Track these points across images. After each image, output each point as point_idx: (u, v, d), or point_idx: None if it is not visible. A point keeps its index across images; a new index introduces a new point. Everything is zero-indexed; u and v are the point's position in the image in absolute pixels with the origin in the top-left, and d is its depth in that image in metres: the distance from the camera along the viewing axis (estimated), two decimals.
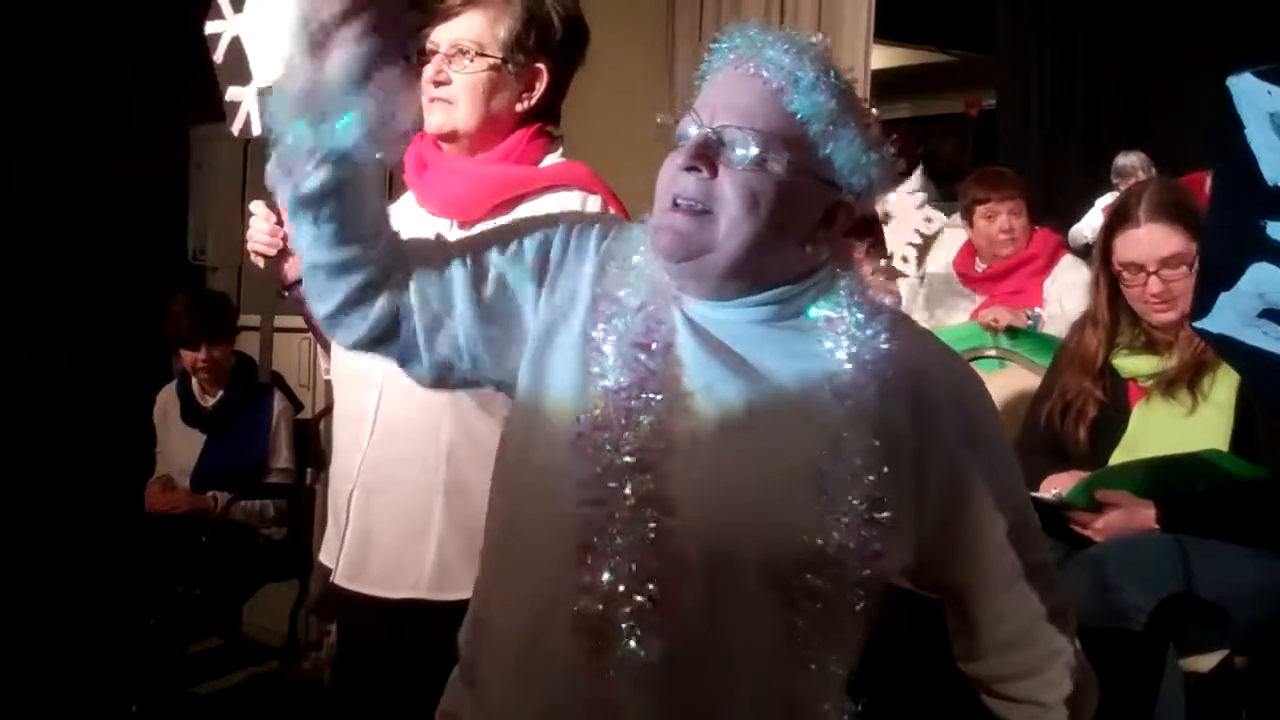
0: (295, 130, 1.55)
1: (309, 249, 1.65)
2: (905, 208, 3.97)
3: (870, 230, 3.56)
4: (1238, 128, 1.19)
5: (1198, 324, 1.26)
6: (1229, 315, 1.23)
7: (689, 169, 1.62)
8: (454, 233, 2.34)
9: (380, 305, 1.67)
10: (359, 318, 1.68)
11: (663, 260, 1.66)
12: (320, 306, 1.69)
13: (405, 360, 1.73)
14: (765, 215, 1.61)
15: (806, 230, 1.65)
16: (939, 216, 3.92)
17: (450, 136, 2.39)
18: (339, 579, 2.40)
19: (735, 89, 1.64)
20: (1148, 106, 8.65)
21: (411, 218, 2.42)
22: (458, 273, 1.69)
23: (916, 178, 3.99)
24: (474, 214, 2.34)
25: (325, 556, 2.48)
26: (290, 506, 5.00)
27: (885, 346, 1.64)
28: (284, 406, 5.09)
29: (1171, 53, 8.18)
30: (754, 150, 1.60)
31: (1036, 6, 8.77)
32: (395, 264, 1.68)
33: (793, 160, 1.61)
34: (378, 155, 1.57)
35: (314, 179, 1.57)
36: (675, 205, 1.63)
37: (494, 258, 1.71)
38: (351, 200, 1.60)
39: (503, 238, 1.74)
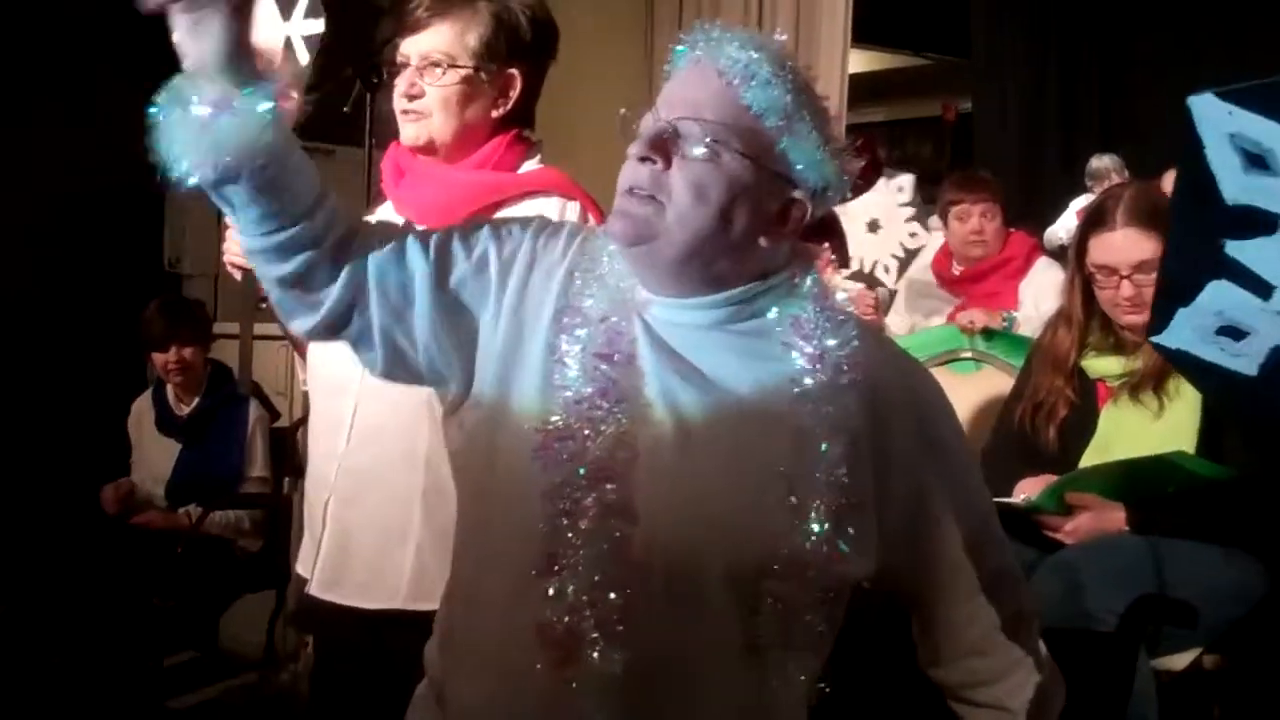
0: (181, 120, 1.51)
1: (243, 235, 1.62)
2: (894, 219, 3.98)
3: (831, 235, 3.56)
4: (1198, 147, 1.20)
5: (1155, 339, 1.28)
6: (1186, 331, 1.25)
7: (643, 159, 1.63)
8: None
9: (334, 292, 1.65)
10: (311, 303, 1.66)
11: (617, 246, 1.67)
12: (271, 290, 1.67)
13: (359, 346, 1.71)
14: (715, 206, 1.61)
15: (760, 224, 1.65)
16: (924, 233, 3.93)
17: (427, 148, 2.39)
18: (315, 589, 2.39)
19: (692, 83, 1.66)
20: (1122, 110, 8.68)
21: None
22: (420, 267, 1.68)
23: (910, 189, 3.99)
24: (452, 221, 2.34)
25: (301, 567, 2.47)
26: (267, 516, 4.97)
27: (850, 351, 1.65)
28: (260, 415, 5.07)
29: (1146, 56, 8.21)
30: (706, 140, 1.61)
31: (1012, 11, 8.81)
32: (344, 243, 1.65)
33: (746, 153, 1.62)
34: (268, 132, 1.51)
35: (216, 167, 1.53)
36: (630, 194, 1.64)
37: (459, 258, 1.70)
38: (268, 181, 1.56)
39: (469, 238, 1.73)
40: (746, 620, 1.59)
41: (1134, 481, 2.83)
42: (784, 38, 1.72)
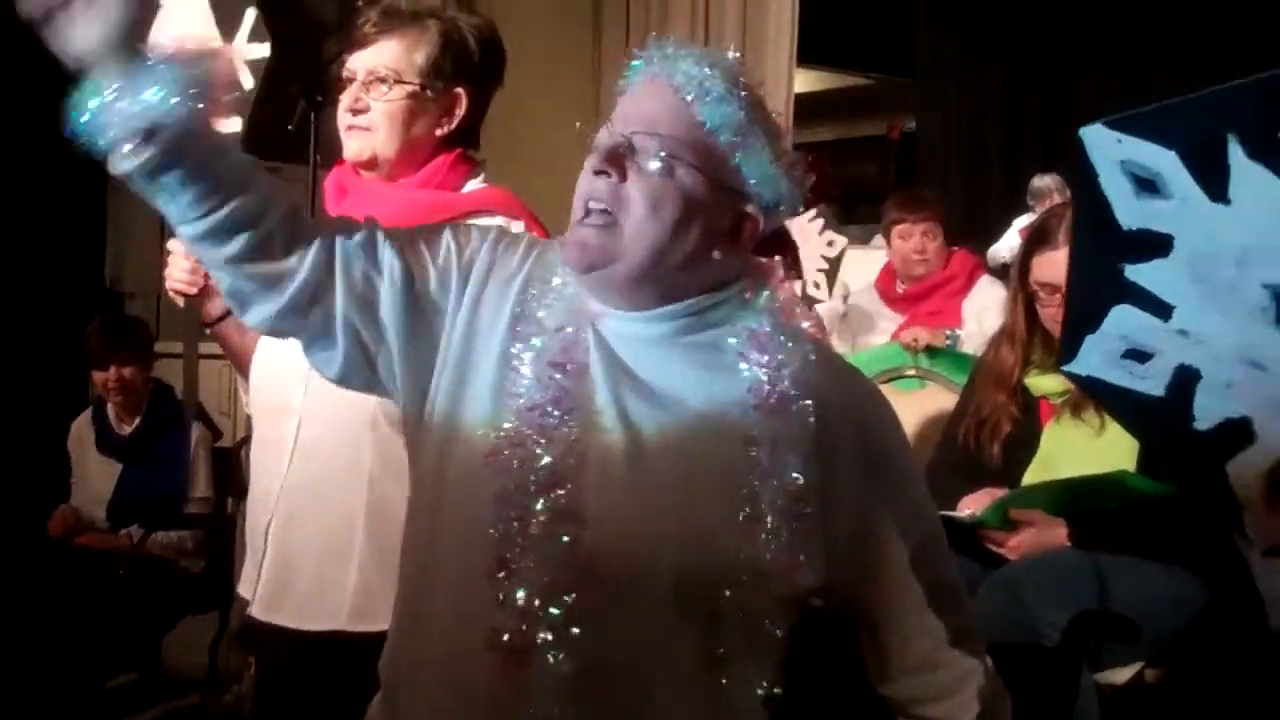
0: (99, 109, 1.49)
1: (181, 225, 1.60)
2: (806, 235, 4.01)
3: (784, 249, 3.58)
4: (1092, 176, 1.24)
5: (1066, 368, 1.31)
6: (1095, 357, 1.28)
7: (599, 173, 1.65)
8: None
9: (301, 273, 1.63)
10: (272, 284, 1.64)
11: (573, 272, 1.68)
12: (225, 280, 1.65)
13: (316, 344, 1.70)
14: (670, 220, 1.63)
15: (714, 239, 1.67)
16: (839, 239, 3.97)
17: (370, 164, 2.38)
18: (256, 611, 2.37)
19: (647, 99, 1.68)
20: (1064, 130, 8.75)
21: None
22: (390, 262, 1.68)
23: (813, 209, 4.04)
24: None
25: (243, 589, 2.44)
26: (210, 537, 4.94)
27: (803, 366, 1.66)
28: (202, 434, 5.03)
29: (1088, 77, 8.29)
30: (661, 155, 1.63)
31: (956, 31, 8.88)
32: (294, 219, 1.64)
33: (700, 168, 1.64)
34: (191, 116, 1.50)
35: (138, 154, 1.51)
36: (586, 214, 1.65)
37: (425, 260, 1.71)
38: (196, 161, 1.54)
39: (434, 242, 1.73)
40: (702, 629, 1.60)
41: (1076, 498, 2.86)
42: (738, 54, 1.75)
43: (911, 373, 4.21)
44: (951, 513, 2.88)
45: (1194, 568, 2.81)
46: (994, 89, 8.91)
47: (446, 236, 1.75)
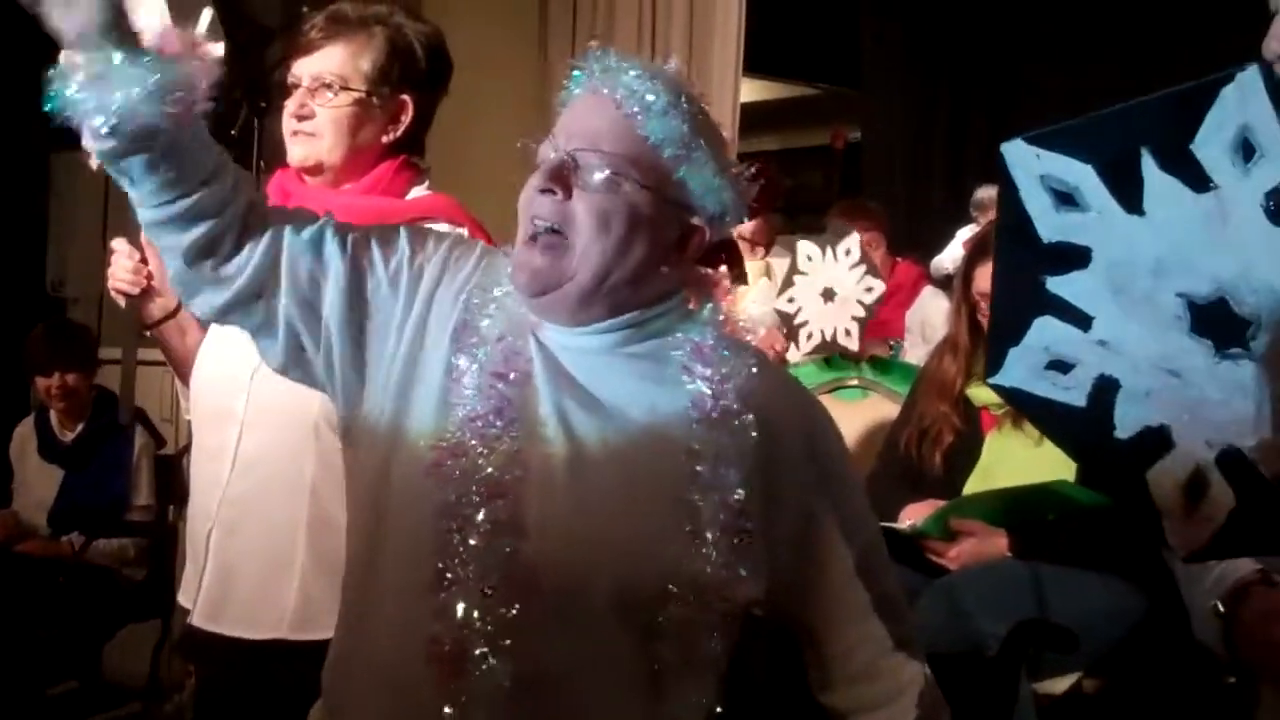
0: (74, 96, 1.49)
1: (143, 208, 1.61)
2: (848, 283, 4.02)
3: (729, 259, 3.58)
4: (1013, 191, 1.26)
5: (992, 380, 1.33)
6: (1019, 369, 1.31)
7: (544, 190, 1.65)
8: None
9: (248, 270, 1.64)
10: (219, 278, 1.65)
11: (521, 296, 1.68)
12: (174, 266, 1.65)
13: (259, 334, 1.71)
14: (618, 236, 1.63)
15: (660, 253, 1.67)
16: (878, 285, 3.96)
17: (314, 169, 2.37)
18: (197, 620, 2.35)
19: (590, 113, 1.68)
20: (1009, 138, 8.78)
21: None
22: (335, 262, 1.68)
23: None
24: None
25: (184, 597, 2.42)
26: (152, 545, 4.90)
27: (747, 377, 1.67)
28: (145, 442, 5.00)
29: (1032, 89, 8.36)
30: (606, 172, 1.63)
31: (901, 42, 8.94)
32: (251, 214, 1.65)
33: (645, 183, 1.64)
34: (166, 110, 1.50)
35: (111, 140, 1.52)
36: (533, 235, 1.65)
37: (375, 261, 1.71)
38: (165, 148, 1.54)
39: (386, 243, 1.73)
40: (642, 642, 1.60)
41: (1016, 508, 2.88)
42: (680, 66, 1.75)
43: (855, 383, 4.22)
44: (893, 524, 2.91)
45: (1131, 578, 2.84)
46: (938, 100, 8.98)
47: (402, 239, 1.74)
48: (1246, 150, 1.14)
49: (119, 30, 1.50)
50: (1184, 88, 1.15)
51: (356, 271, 1.69)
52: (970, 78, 8.88)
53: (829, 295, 4.14)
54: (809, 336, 4.15)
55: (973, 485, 3.02)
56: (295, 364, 1.73)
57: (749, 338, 1.78)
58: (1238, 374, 1.20)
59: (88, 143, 1.54)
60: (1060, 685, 2.79)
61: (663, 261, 1.68)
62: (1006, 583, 2.75)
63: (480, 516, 1.57)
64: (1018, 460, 2.94)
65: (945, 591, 2.76)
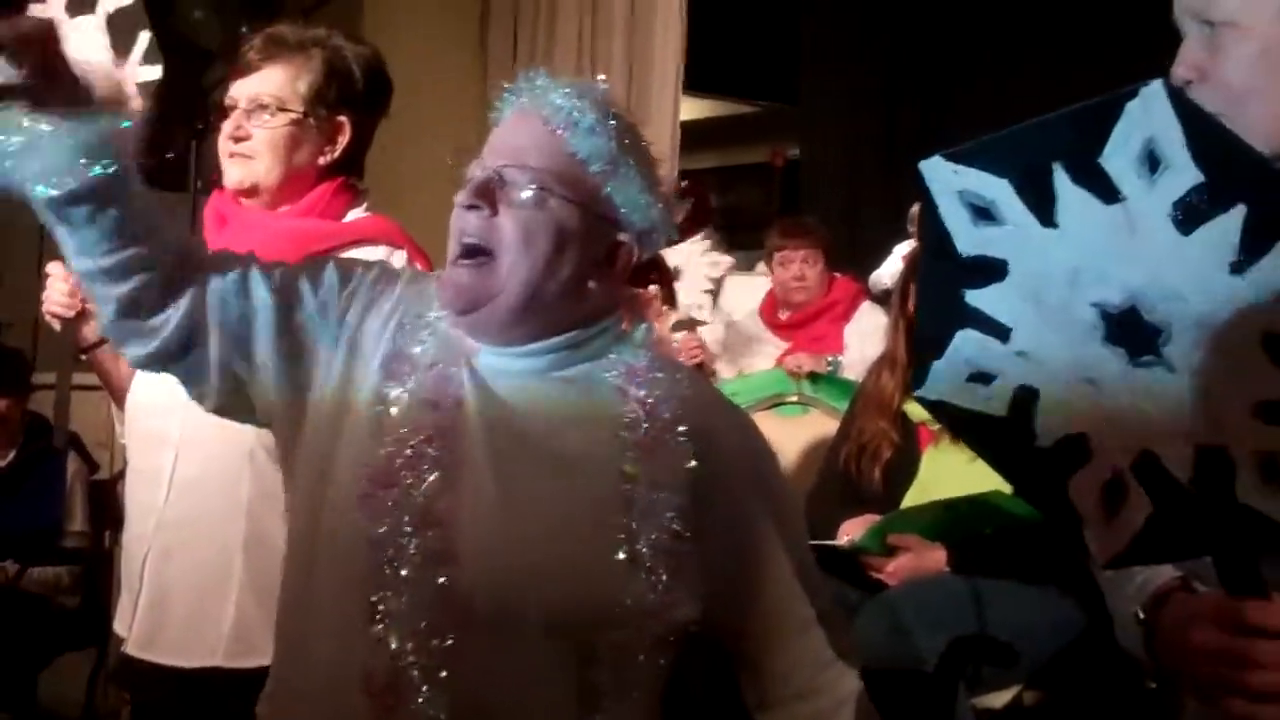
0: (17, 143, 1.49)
1: (78, 256, 1.59)
2: (690, 257, 4.06)
3: (660, 279, 3.60)
4: (932, 207, 1.28)
5: (917, 394, 1.35)
6: (942, 382, 1.32)
7: (470, 207, 1.65)
8: None
9: (172, 323, 1.63)
10: (145, 330, 1.64)
11: (448, 314, 1.68)
12: (105, 313, 1.64)
13: (191, 382, 1.70)
14: (544, 251, 1.63)
15: (588, 268, 1.67)
16: (724, 259, 4.02)
17: (251, 192, 2.36)
18: (132, 648, 2.33)
19: (518, 131, 1.68)
20: (925, 159, 8.81)
21: None
22: (264, 300, 1.67)
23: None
24: None
25: (119, 625, 2.40)
26: (87, 572, 4.85)
27: (681, 397, 1.67)
28: (79, 467, 4.95)
29: (967, 107, 8.43)
30: (532, 188, 1.63)
31: (839, 60, 8.98)
32: (181, 266, 1.63)
33: (572, 198, 1.64)
34: (104, 170, 1.50)
35: (55, 184, 1.50)
36: (460, 253, 1.65)
37: (304, 295, 1.70)
38: (102, 206, 1.53)
39: (315, 276, 1.72)
40: (578, 669, 1.59)
41: (953, 522, 2.90)
42: (606, 84, 1.75)
43: (794, 399, 4.25)
44: (832, 541, 2.92)
45: (1069, 590, 2.86)
46: (876, 118, 9.03)
47: (329, 272, 1.73)
48: (1152, 162, 1.17)
49: (56, 85, 1.49)
50: (1092, 102, 1.18)
51: (286, 308, 1.68)
52: (905, 95, 8.94)
53: (676, 274, 4.19)
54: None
55: (911, 500, 3.04)
56: (231, 406, 1.72)
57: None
58: (1151, 381, 1.22)
59: (26, 193, 1.52)
60: (1000, 699, 2.80)
61: (590, 278, 1.68)
62: (945, 597, 2.76)
63: (413, 548, 1.56)
64: (955, 475, 2.95)
65: (883, 607, 2.77)
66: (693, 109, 9.41)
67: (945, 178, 1.27)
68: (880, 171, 9.12)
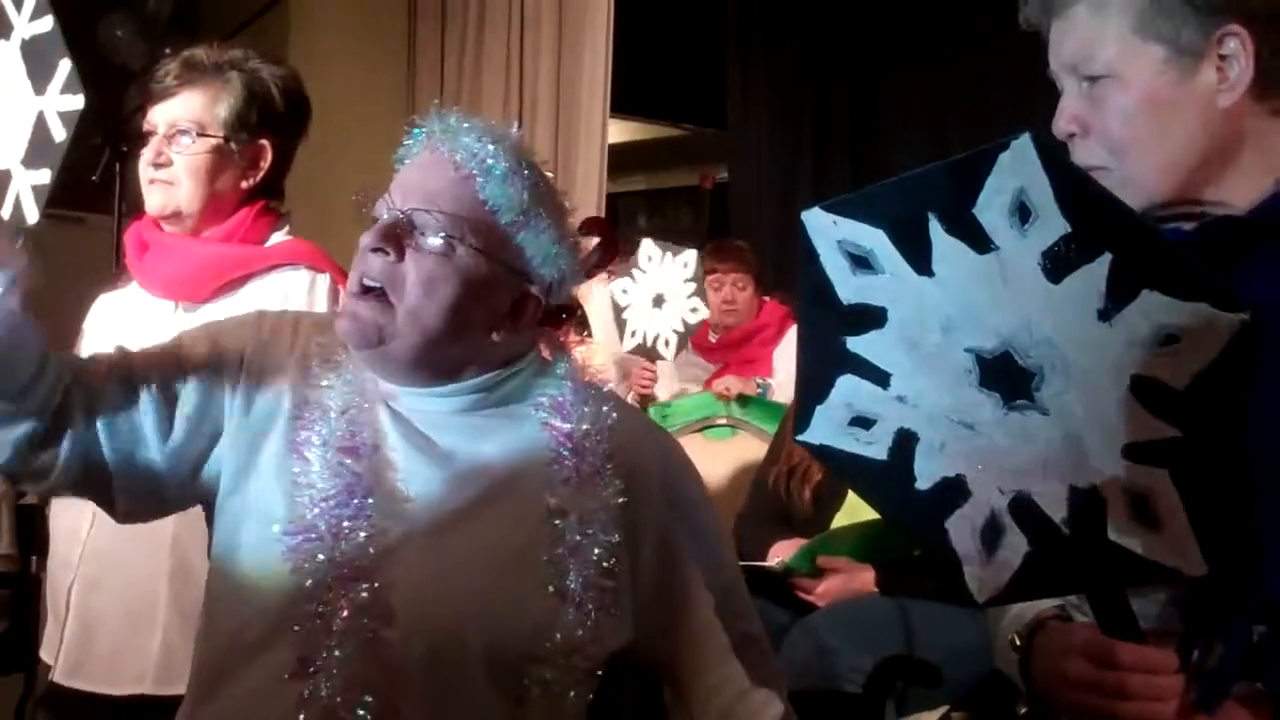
0: None
1: None
2: (679, 294, 4.09)
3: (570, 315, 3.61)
4: (814, 256, 1.31)
5: (800, 438, 1.38)
6: (825, 426, 1.35)
7: (375, 250, 1.61)
8: (178, 315, 2.29)
9: (60, 463, 1.57)
10: (36, 471, 1.58)
11: (349, 346, 1.65)
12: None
13: (98, 500, 1.65)
14: (447, 301, 1.60)
15: (492, 319, 1.65)
16: (703, 310, 4.06)
17: (173, 218, 2.34)
18: (59, 676, 2.31)
19: (428, 173, 1.64)
20: (871, 181, 8.87)
21: (134, 303, 2.36)
22: (149, 405, 1.62)
23: (694, 265, 4.09)
24: (199, 295, 2.30)
25: (46, 653, 2.38)
26: (14, 596, 4.78)
27: (607, 426, 1.67)
28: (4, 490, 4.87)
29: (894, 129, 8.51)
30: (441, 235, 1.60)
31: (766, 84, 9.04)
32: (63, 410, 1.57)
33: (481, 248, 1.61)
34: None
35: None
36: (359, 291, 1.62)
37: (186, 383, 1.64)
38: None
39: (193, 355, 1.67)
40: (512, 708, 1.58)
41: (882, 543, 2.92)
42: (522, 130, 1.72)
43: (723, 421, 4.26)
44: (762, 563, 2.93)
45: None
46: (803, 141, 9.09)
47: (205, 344, 1.68)
48: (1023, 213, 1.19)
49: None
50: (965, 155, 1.21)
51: (170, 399, 1.63)
52: (833, 118, 9.01)
53: (659, 301, 4.22)
54: (632, 334, 4.23)
55: (840, 522, 3.06)
56: (142, 509, 1.68)
57: (609, 385, 1.78)
58: (1025, 424, 1.25)
59: None
60: None
61: (495, 329, 1.65)
62: (872, 619, 2.78)
63: (341, 601, 1.52)
64: None
65: (812, 628, 2.79)
66: (622, 131, 9.43)
67: (825, 228, 1.30)
68: (808, 195, 9.17)
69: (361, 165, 5.45)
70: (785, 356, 5.12)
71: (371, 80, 7.22)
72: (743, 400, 4.39)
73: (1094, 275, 1.19)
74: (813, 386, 1.35)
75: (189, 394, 1.64)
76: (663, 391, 5.12)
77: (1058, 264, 1.20)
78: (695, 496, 1.80)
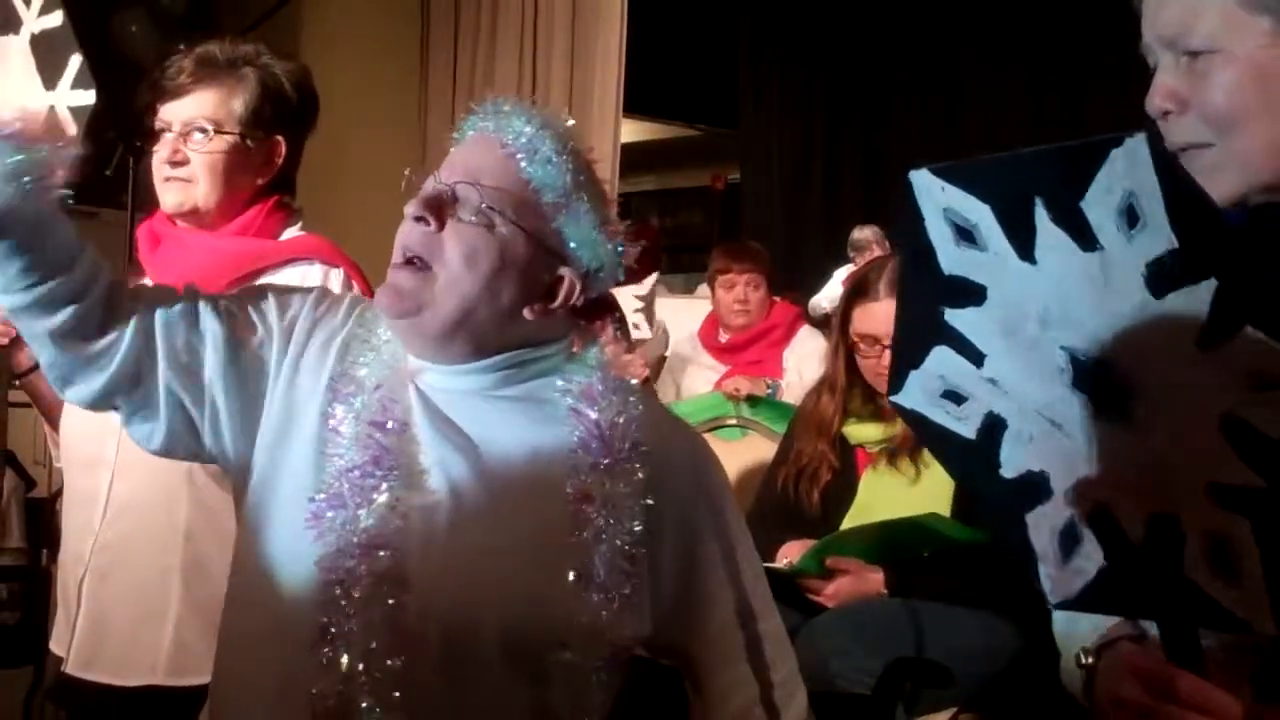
0: None
1: (3, 295, 1.58)
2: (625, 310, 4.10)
3: (610, 314, 3.61)
4: (919, 219, 1.26)
5: (894, 398, 1.34)
6: (918, 393, 1.31)
7: (417, 219, 1.65)
8: None
9: (122, 348, 1.62)
10: (94, 361, 1.62)
11: (384, 317, 1.68)
12: (45, 354, 1.62)
13: (139, 417, 1.68)
14: (485, 273, 1.63)
15: (527, 296, 1.67)
16: (645, 329, 4.04)
17: (190, 215, 2.35)
18: (70, 668, 2.31)
19: (475, 151, 1.68)
20: (883, 183, 8.95)
21: None
22: (212, 327, 1.66)
23: (650, 285, 4.08)
24: (212, 289, 2.29)
25: (56, 645, 2.38)
26: (24, 589, 4.80)
27: (635, 417, 1.67)
28: (15, 485, 4.90)
29: (906, 131, 8.52)
30: (482, 208, 1.63)
31: (777, 85, 9.06)
32: (115, 295, 1.62)
33: (520, 224, 1.64)
34: (23, 196, 1.49)
35: None
36: (401, 261, 1.65)
37: (249, 323, 1.69)
38: (26, 233, 1.52)
39: (257, 304, 1.72)
40: (529, 689, 1.59)
41: (892, 544, 2.91)
42: (571, 121, 1.74)
43: (733, 422, 4.26)
44: (770, 564, 2.92)
45: (1005, 614, 2.88)
46: (815, 142, 9.10)
47: (269, 298, 1.73)
48: (1131, 217, 1.14)
49: None
50: (1076, 144, 1.15)
51: (233, 333, 1.68)
52: (845, 120, 9.02)
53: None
54: None
55: (849, 523, 3.04)
56: (178, 442, 1.70)
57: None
58: (1112, 435, 1.21)
59: None
60: None
61: (528, 305, 1.67)
62: (882, 620, 2.78)
63: (362, 569, 1.55)
64: (893, 498, 2.97)
65: (820, 630, 2.78)
66: (633, 131, 9.44)
67: (933, 192, 1.25)
68: (819, 195, 9.18)
69: (373, 164, 5.49)
70: (795, 357, 5.13)
71: (384, 79, 7.24)
72: (753, 401, 4.39)
73: (1197, 299, 1.13)
74: (909, 350, 1.31)
75: (252, 331, 1.69)
76: (663, 392, 5.12)
77: (1162, 278, 1.14)
78: (720, 490, 1.81)
